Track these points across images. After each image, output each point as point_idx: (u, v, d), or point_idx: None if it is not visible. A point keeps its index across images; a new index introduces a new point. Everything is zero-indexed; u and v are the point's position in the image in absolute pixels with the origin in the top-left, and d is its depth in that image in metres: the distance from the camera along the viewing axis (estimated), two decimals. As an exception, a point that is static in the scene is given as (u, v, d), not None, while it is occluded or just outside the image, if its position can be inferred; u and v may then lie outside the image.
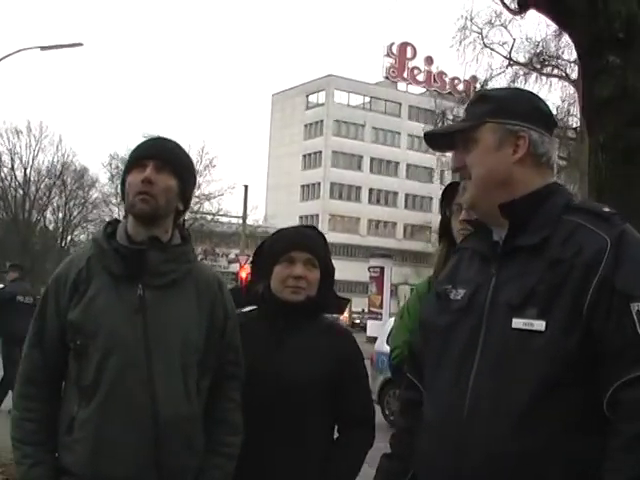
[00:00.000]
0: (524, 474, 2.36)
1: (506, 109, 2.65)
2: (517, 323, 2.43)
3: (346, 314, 55.56)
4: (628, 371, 2.28)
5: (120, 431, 3.09)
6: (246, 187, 52.43)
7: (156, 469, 3.13)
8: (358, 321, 59.48)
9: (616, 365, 2.30)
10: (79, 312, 3.19)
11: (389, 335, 17.88)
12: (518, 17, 32.13)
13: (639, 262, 2.40)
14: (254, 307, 3.81)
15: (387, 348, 16.03)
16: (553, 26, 36.48)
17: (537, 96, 2.83)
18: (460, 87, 66.20)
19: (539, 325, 2.39)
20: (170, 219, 3.35)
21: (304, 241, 3.72)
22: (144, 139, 3.48)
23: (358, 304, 60.12)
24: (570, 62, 38.48)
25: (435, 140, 2.91)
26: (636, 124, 4.86)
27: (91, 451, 3.10)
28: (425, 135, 2.84)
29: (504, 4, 17.76)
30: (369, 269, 42.84)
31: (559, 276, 2.40)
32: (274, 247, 3.75)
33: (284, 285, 3.65)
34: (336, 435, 3.75)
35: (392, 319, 20.16)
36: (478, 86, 41.49)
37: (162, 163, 3.26)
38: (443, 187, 3.95)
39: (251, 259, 3.93)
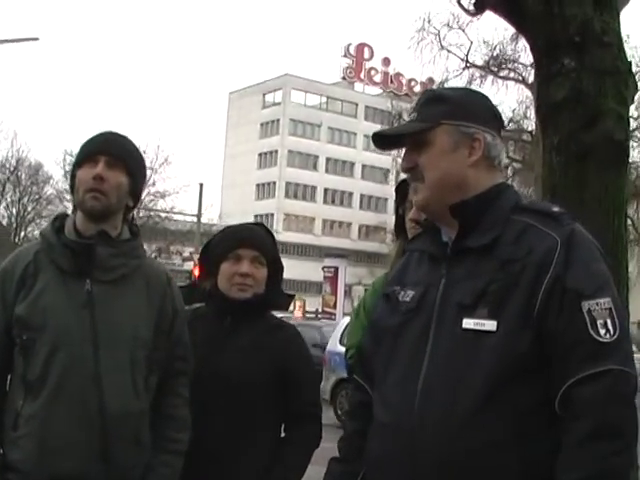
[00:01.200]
0: (476, 474, 2.36)
1: (462, 111, 2.64)
2: (468, 323, 2.44)
3: (299, 313, 55.58)
4: (579, 370, 2.30)
5: (67, 427, 3.06)
6: (201, 185, 52.20)
7: (104, 465, 3.10)
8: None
9: (567, 364, 2.32)
10: (26, 307, 3.15)
11: (342, 335, 18.02)
12: (475, 19, 32.35)
13: (588, 261, 2.43)
14: (202, 304, 3.80)
15: (340, 348, 16.13)
16: (510, 30, 36.75)
17: (487, 97, 2.84)
18: (417, 89, 66.73)
19: (490, 325, 2.40)
20: (120, 215, 3.33)
21: (251, 238, 3.72)
22: (95, 134, 3.44)
23: (312, 304, 60.13)
24: (527, 66, 38.83)
25: (383, 139, 2.86)
26: (589, 127, 4.89)
27: (37, 447, 3.07)
28: (374, 135, 2.81)
29: (461, 5, 17.87)
30: (323, 269, 42.87)
31: (510, 276, 2.41)
32: (221, 244, 3.74)
33: (231, 283, 3.64)
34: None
35: (345, 319, 20.25)
36: (435, 87, 41.67)
37: (114, 159, 3.23)
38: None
39: (199, 256, 3.91)
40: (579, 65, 4.89)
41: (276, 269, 3.76)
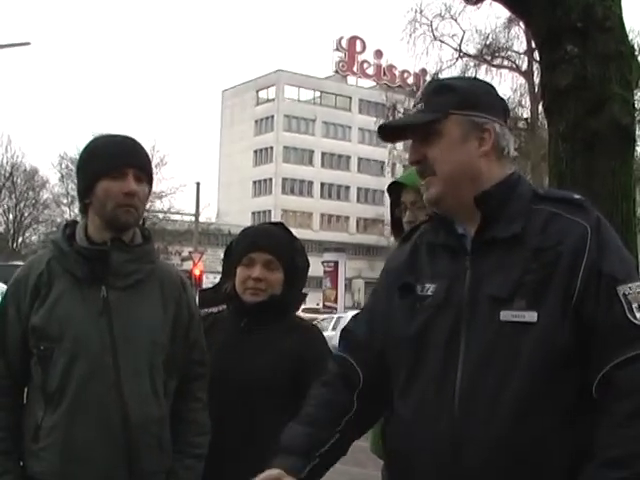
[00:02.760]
0: (524, 467, 2.33)
1: (471, 100, 2.58)
2: (506, 315, 2.38)
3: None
4: (619, 353, 2.28)
5: (90, 436, 3.04)
6: (198, 184, 52.26)
7: (128, 472, 3.08)
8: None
9: (606, 348, 2.30)
10: (42, 316, 3.12)
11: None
12: (474, 8, 32.34)
13: (618, 246, 2.43)
14: (223, 307, 3.78)
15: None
16: (503, 18, 36.90)
17: (494, 87, 2.77)
18: (410, 80, 66.45)
19: (530, 316, 2.35)
20: None
21: (264, 242, 3.67)
22: (111, 137, 3.34)
23: (313, 299, 60.13)
24: (520, 54, 38.98)
25: (389, 131, 2.81)
26: (595, 113, 4.88)
27: (60, 458, 3.04)
28: (380, 127, 2.75)
29: (461, -5, 17.87)
30: (323, 264, 42.91)
31: (546, 265, 2.38)
32: (237, 248, 3.72)
33: (244, 287, 3.62)
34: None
35: (349, 313, 20.29)
36: (428, 78, 41.69)
37: (140, 172, 3.20)
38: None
39: (223, 257, 3.88)
40: (582, 51, 4.88)
41: (293, 270, 3.71)
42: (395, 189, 3.73)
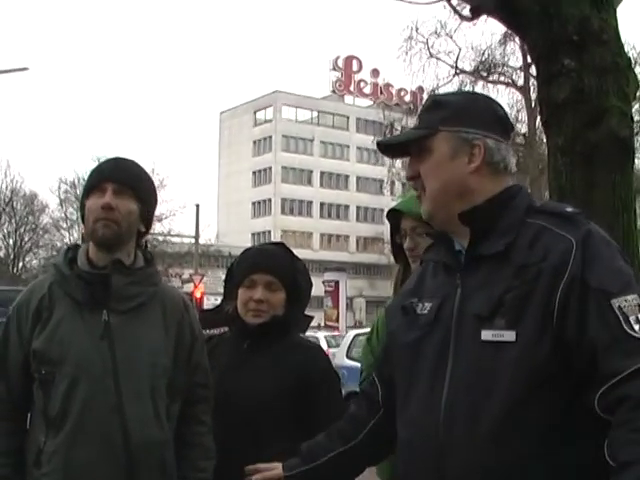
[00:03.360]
0: None
1: (460, 116, 2.57)
2: (486, 335, 2.37)
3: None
4: (622, 368, 2.22)
5: (92, 461, 3.01)
6: (197, 206, 52.38)
7: None
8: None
9: (607, 364, 2.25)
10: (43, 340, 3.10)
11: (349, 348, 17.99)
12: (469, 25, 32.45)
13: (609, 259, 2.37)
14: (225, 329, 3.75)
15: (347, 362, 16.11)
16: (498, 34, 37.00)
17: (492, 100, 2.76)
18: (407, 98, 66.63)
19: (509, 336, 2.33)
20: (132, 242, 3.28)
21: (265, 263, 3.65)
22: (101, 160, 3.39)
23: (314, 319, 60.01)
24: (516, 69, 39.04)
25: (388, 148, 2.83)
26: (593, 126, 4.87)
27: None
28: (378, 144, 2.77)
29: (456, 11, 17.89)
30: (324, 283, 42.88)
31: (526, 283, 2.35)
32: (238, 269, 3.70)
33: (246, 308, 3.61)
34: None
35: (351, 333, 20.24)
36: (425, 96, 41.80)
37: (121, 186, 3.18)
38: (394, 198, 3.91)
39: (224, 278, 3.87)
40: (579, 64, 4.87)
41: (296, 290, 3.69)
42: (394, 215, 3.71)
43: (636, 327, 2.26)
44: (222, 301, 3.85)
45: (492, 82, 40.24)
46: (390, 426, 2.71)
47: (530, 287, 2.34)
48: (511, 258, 2.41)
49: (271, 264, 3.65)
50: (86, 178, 3.33)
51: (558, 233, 2.40)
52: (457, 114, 2.58)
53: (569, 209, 2.51)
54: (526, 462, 2.29)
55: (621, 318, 2.26)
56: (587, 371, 2.28)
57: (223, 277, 3.91)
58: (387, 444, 2.83)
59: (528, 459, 2.29)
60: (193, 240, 53.48)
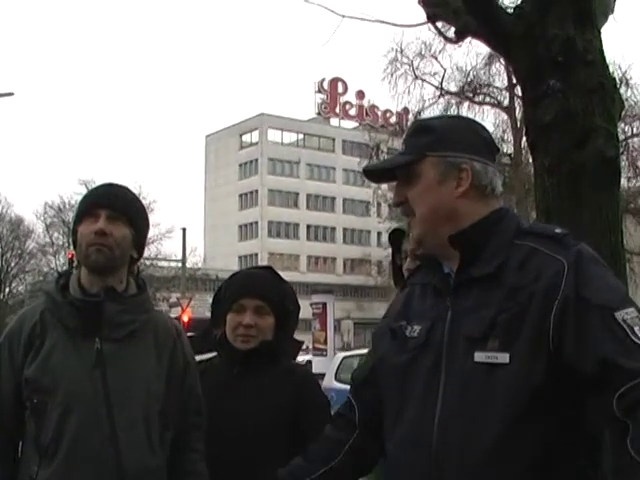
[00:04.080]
0: None
1: (446, 140, 2.57)
2: (480, 357, 2.36)
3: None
4: (633, 377, 2.20)
5: None
6: (184, 230, 52.27)
7: None
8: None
9: (623, 369, 2.22)
10: (35, 369, 3.08)
11: (337, 371, 17.92)
12: (454, 46, 32.56)
13: (603, 277, 2.38)
14: (214, 354, 3.72)
15: (336, 384, 16.03)
16: (483, 54, 37.16)
17: (477, 123, 2.76)
18: (393, 119, 66.66)
19: (503, 357, 2.32)
20: (125, 269, 3.27)
21: (254, 287, 3.64)
22: (88, 184, 3.38)
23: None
24: (501, 89, 39.16)
25: (374, 173, 2.83)
26: (580, 146, 4.89)
27: None
28: (364, 170, 2.79)
29: (440, 33, 17.90)
30: (311, 305, 42.76)
31: (519, 304, 2.34)
32: (226, 294, 3.68)
33: (235, 334, 3.58)
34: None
35: (339, 355, 20.18)
36: (411, 117, 41.96)
37: (115, 212, 3.17)
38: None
39: (211, 304, 3.84)
40: (565, 85, 4.90)
41: (284, 314, 3.67)
42: (397, 236, 3.70)
43: None
44: (209, 326, 3.82)
45: (478, 103, 40.34)
46: (369, 444, 2.76)
47: (523, 308, 2.34)
48: (502, 280, 2.41)
49: (259, 288, 3.63)
50: (75, 202, 3.32)
51: (548, 254, 2.40)
52: (443, 139, 2.58)
53: (558, 230, 2.50)
54: None
55: (627, 330, 2.27)
56: (594, 385, 2.27)
57: (210, 301, 3.89)
58: (369, 459, 2.89)
59: (525, 477, 2.28)
60: (180, 264, 53.38)
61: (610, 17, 5.90)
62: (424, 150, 2.57)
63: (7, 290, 68.38)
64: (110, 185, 3.34)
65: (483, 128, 2.71)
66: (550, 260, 2.38)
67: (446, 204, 2.54)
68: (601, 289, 2.33)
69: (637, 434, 2.17)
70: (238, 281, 3.72)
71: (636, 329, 2.27)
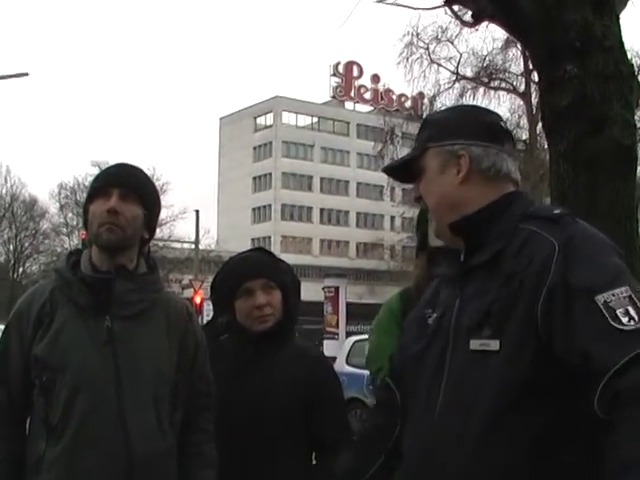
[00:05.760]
0: None
1: (444, 131, 2.60)
2: (474, 344, 2.37)
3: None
4: (612, 363, 2.14)
5: (92, 470, 2.98)
6: (197, 212, 52.30)
7: None
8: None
9: (598, 361, 2.18)
10: (44, 347, 3.07)
11: (348, 355, 17.96)
12: (470, 30, 32.45)
13: (594, 256, 2.29)
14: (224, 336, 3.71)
15: (347, 368, 16.10)
16: (500, 40, 37.02)
17: (479, 108, 2.80)
18: (407, 104, 66.63)
19: (494, 345, 2.31)
20: (136, 248, 3.26)
21: (256, 268, 3.65)
22: (101, 166, 3.38)
23: (314, 324, 60.02)
24: (517, 75, 39.03)
25: (396, 174, 2.87)
26: (596, 133, 4.85)
27: None
28: (385, 171, 2.85)
29: (457, 16, 17.84)
30: (324, 289, 42.82)
31: (512, 291, 2.33)
32: (227, 282, 3.67)
33: (251, 318, 3.58)
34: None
35: (351, 339, 20.21)
36: (426, 102, 41.90)
37: (127, 191, 3.17)
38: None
39: (210, 296, 3.84)
40: (582, 70, 4.86)
41: (287, 288, 3.68)
42: (423, 216, 3.72)
43: (624, 320, 2.18)
44: (213, 316, 3.82)
45: (493, 88, 40.27)
46: None
47: (515, 295, 2.32)
48: (501, 266, 2.40)
49: (260, 267, 3.65)
50: (88, 183, 3.32)
51: (543, 236, 2.36)
52: (441, 129, 2.62)
53: (556, 211, 2.47)
54: (510, 473, 2.27)
55: (606, 314, 2.19)
56: (584, 376, 2.22)
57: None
58: None
59: (513, 470, 2.27)
60: (193, 246, 53.48)
61: (629, 3, 5.85)
62: (425, 143, 2.63)
63: (21, 270, 68.77)
64: (122, 165, 3.35)
65: (486, 112, 2.72)
66: (543, 242, 2.34)
67: (450, 193, 2.56)
68: (586, 270, 2.26)
69: (611, 440, 2.13)
70: (238, 267, 3.71)
71: (619, 311, 2.19)
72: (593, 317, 2.20)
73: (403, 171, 2.78)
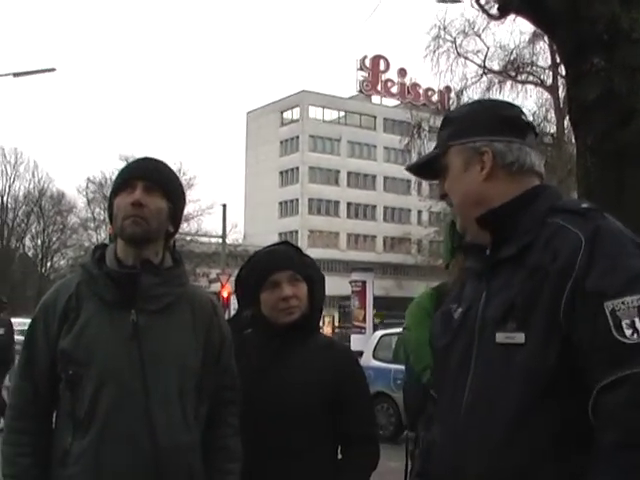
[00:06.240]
0: None
1: (465, 128, 2.60)
2: (500, 337, 2.36)
3: (329, 329, 55.41)
4: (604, 376, 2.16)
5: (118, 463, 2.99)
6: (224, 206, 52.35)
7: None
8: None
9: (594, 371, 2.19)
10: (70, 341, 3.09)
11: (375, 349, 17.96)
12: (497, 23, 32.28)
13: (615, 256, 2.26)
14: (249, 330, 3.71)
15: (374, 362, 16.11)
16: (527, 33, 36.84)
17: (499, 102, 2.81)
18: (434, 98, 66.32)
19: (519, 338, 2.31)
20: (161, 241, 3.27)
21: (282, 261, 3.65)
22: (129, 160, 3.40)
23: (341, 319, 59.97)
24: (545, 68, 38.82)
25: (420, 172, 2.87)
26: (623, 125, 4.84)
27: None
28: (408, 170, 2.85)
29: (483, 10, 17.78)
30: (351, 283, 42.81)
31: (536, 285, 2.32)
32: (253, 275, 3.67)
33: (277, 310, 3.57)
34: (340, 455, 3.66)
35: (378, 333, 20.21)
36: (453, 96, 41.76)
37: (152, 184, 3.18)
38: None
39: (235, 289, 3.85)
40: (609, 63, 4.85)
41: (312, 283, 3.68)
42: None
43: (627, 332, 2.16)
44: (237, 310, 3.81)
45: (520, 82, 40.07)
46: None
47: (539, 289, 2.31)
48: (526, 260, 2.39)
49: (287, 260, 3.66)
50: (114, 177, 3.33)
51: (571, 230, 2.34)
52: (462, 126, 2.62)
53: (584, 205, 2.44)
54: (536, 466, 2.26)
55: (611, 322, 2.18)
56: (584, 378, 2.23)
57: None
58: None
59: (538, 463, 2.26)
60: (220, 240, 53.54)
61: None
62: (447, 141, 2.63)
63: (49, 264, 69.16)
64: (147, 159, 3.36)
65: (507, 106, 2.72)
66: (571, 236, 2.32)
67: (474, 189, 2.57)
68: (602, 272, 2.24)
69: (593, 468, 2.15)
70: (264, 260, 3.71)
71: (625, 322, 2.17)
72: (598, 324, 2.20)
73: (427, 169, 2.79)
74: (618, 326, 2.17)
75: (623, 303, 2.18)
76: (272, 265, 3.62)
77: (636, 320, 2.17)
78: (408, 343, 4.51)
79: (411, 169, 2.85)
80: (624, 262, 2.26)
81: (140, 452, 3.01)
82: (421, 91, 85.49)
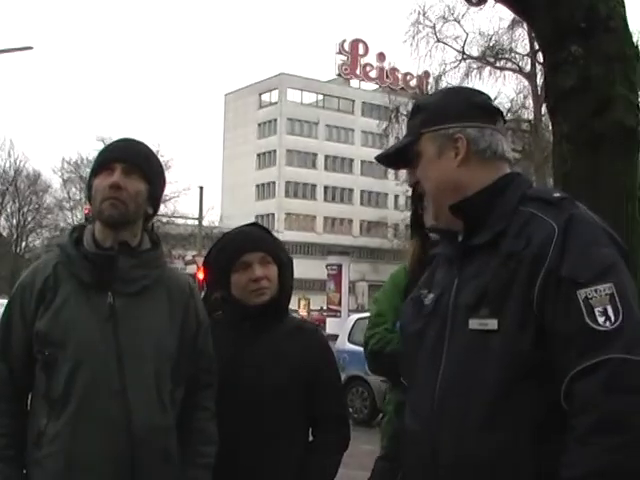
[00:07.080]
0: (493, 474, 2.31)
1: (437, 115, 2.61)
2: (473, 324, 2.39)
3: (304, 312, 55.47)
4: (577, 362, 2.19)
5: (93, 445, 3.00)
6: (201, 188, 52.33)
7: None
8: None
9: (567, 357, 2.22)
10: (47, 322, 3.08)
11: (350, 332, 18.01)
12: (476, 9, 32.38)
13: (587, 246, 2.30)
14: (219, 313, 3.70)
15: (349, 345, 16.17)
16: (506, 20, 36.92)
17: (468, 89, 2.81)
18: (413, 82, 66.42)
19: (492, 324, 2.33)
20: (139, 223, 3.26)
21: (252, 241, 3.64)
22: (105, 141, 3.39)
23: (316, 302, 60.06)
24: (523, 55, 39.00)
25: (389, 161, 2.87)
26: (599, 114, 4.85)
27: (63, 466, 3.00)
28: (378, 160, 2.85)
29: (464, -4, 17.82)
30: (327, 267, 42.92)
31: (509, 271, 2.34)
32: (224, 256, 3.65)
33: (247, 291, 3.56)
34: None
35: (353, 316, 20.26)
36: (431, 81, 41.88)
37: (130, 166, 3.17)
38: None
39: (203, 268, 3.83)
40: (586, 52, 4.84)
41: (282, 265, 3.67)
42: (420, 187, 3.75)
43: (600, 319, 2.20)
44: (206, 292, 3.78)
45: (499, 68, 40.23)
46: None
47: (511, 276, 2.33)
48: (500, 247, 2.41)
49: (258, 241, 3.65)
50: (92, 158, 3.33)
51: (543, 219, 2.37)
52: (434, 113, 2.63)
53: (556, 194, 2.48)
54: (513, 451, 2.28)
55: (584, 310, 2.21)
56: (557, 364, 2.26)
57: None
58: None
59: (515, 448, 2.28)
60: (197, 222, 53.48)
61: (634, -16, 5.84)
62: (419, 129, 2.64)
63: (24, 244, 68.80)
64: (126, 140, 3.35)
65: (476, 93, 2.73)
66: (543, 224, 2.36)
67: (449, 176, 2.58)
68: (575, 260, 2.27)
69: (567, 453, 2.19)
70: (235, 240, 3.69)
71: (597, 310, 2.21)
72: (571, 311, 2.23)
73: (397, 158, 2.79)
74: (591, 313, 2.20)
75: (596, 291, 2.22)
76: (243, 246, 3.61)
77: (608, 308, 2.20)
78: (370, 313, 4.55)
79: (380, 159, 2.84)
80: (596, 251, 2.30)
81: (115, 433, 3.01)
82: (400, 76, 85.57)
